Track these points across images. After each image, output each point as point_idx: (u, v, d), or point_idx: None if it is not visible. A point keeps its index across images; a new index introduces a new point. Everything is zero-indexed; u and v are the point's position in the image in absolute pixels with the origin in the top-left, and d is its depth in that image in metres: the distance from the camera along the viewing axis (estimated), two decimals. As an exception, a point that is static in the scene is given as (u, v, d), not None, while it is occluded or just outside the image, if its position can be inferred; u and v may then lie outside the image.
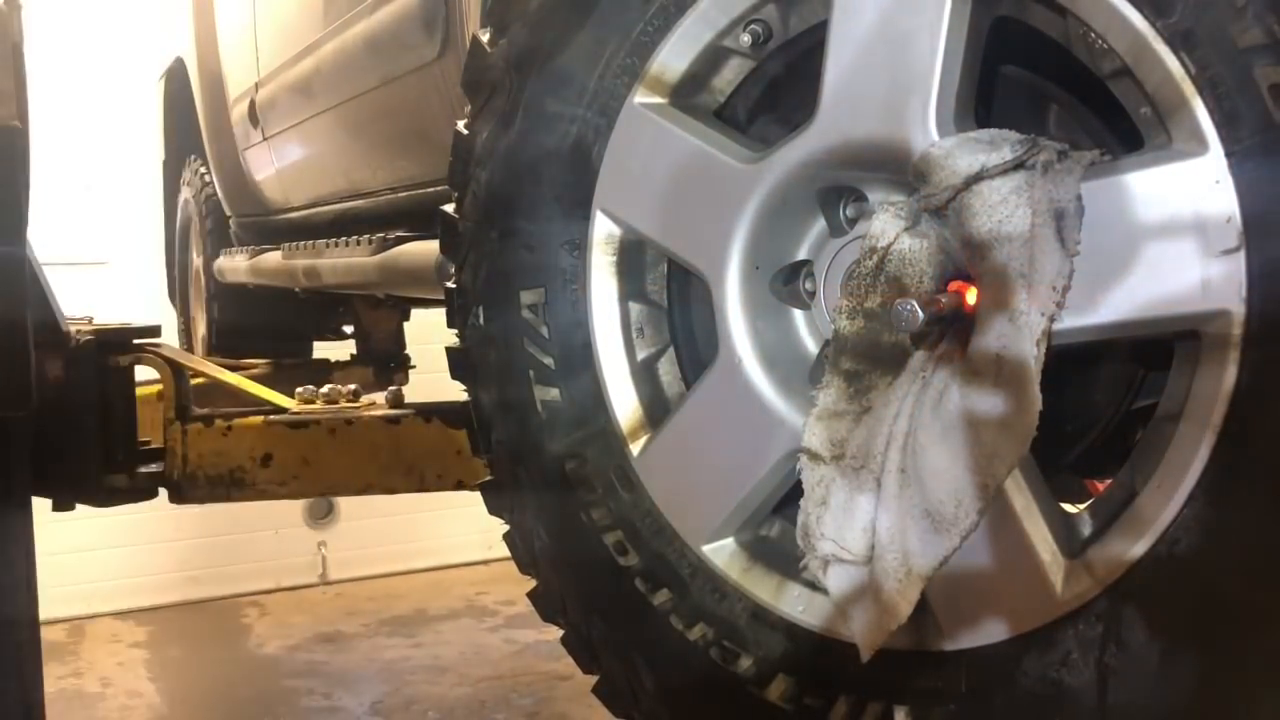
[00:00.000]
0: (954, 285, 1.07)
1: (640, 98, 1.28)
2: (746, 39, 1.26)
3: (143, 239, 4.80)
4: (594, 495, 1.36)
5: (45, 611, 2.16)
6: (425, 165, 2.28)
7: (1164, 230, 0.92)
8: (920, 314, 1.03)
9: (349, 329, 4.00)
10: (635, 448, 1.34)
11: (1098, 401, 1.22)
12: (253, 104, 3.26)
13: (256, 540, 5.02)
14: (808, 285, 1.25)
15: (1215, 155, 0.90)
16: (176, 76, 4.15)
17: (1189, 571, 0.95)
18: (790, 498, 1.24)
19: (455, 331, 1.47)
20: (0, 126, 1.68)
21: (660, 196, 1.27)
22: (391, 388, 2.70)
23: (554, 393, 1.38)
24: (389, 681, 3.93)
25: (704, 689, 1.29)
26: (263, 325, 3.88)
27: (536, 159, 1.34)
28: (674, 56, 1.26)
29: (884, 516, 1.10)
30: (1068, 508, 1.10)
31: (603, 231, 1.34)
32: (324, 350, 3.97)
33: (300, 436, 2.19)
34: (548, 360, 1.38)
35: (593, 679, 1.43)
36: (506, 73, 1.35)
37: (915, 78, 1.05)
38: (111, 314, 2.73)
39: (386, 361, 3.83)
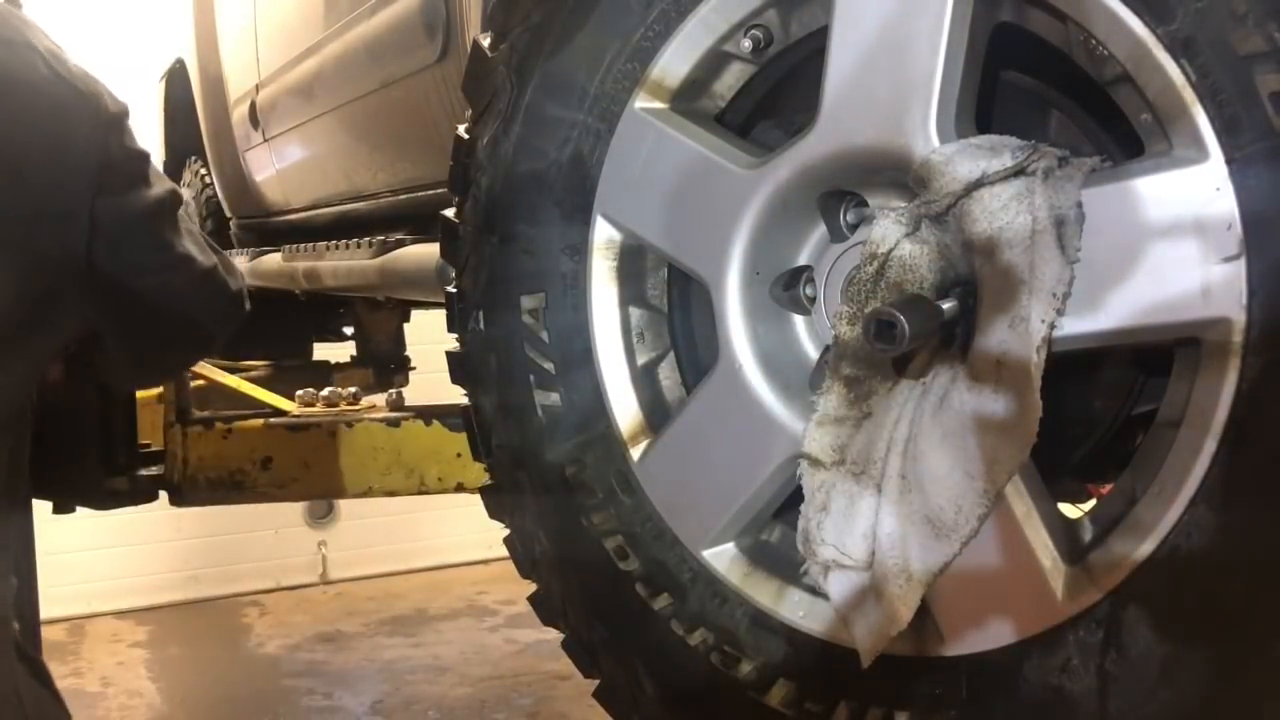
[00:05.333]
0: (954, 291, 1.07)
1: (641, 103, 1.28)
2: (747, 44, 1.25)
3: (143, 239, 4.80)
4: (594, 500, 1.36)
5: (45, 611, 2.16)
6: (426, 168, 2.28)
7: (1165, 237, 0.92)
8: (921, 320, 1.03)
9: (349, 330, 4.00)
10: (636, 452, 1.33)
11: (1098, 407, 1.22)
12: (253, 105, 3.26)
13: (256, 540, 5.02)
14: (808, 290, 1.25)
15: (1216, 162, 0.90)
16: (177, 77, 4.15)
17: (1190, 577, 0.94)
18: (791, 503, 1.24)
19: (455, 336, 1.46)
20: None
21: (661, 201, 1.27)
22: (392, 390, 2.70)
23: (554, 397, 1.38)
24: (389, 681, 3.93)
25: (704, 694, 1.29)
26: (263, 327, 3.86)
27: (537, 163, 1.34)
28: (675, 61, 1.26)
29: (885, 522, 1.11)
30: (1068, 512, 1.10)
31: (603, 236, 1.33)
32: (324, 352, 3.97)
33: (300, 439, 2.19)
34: (548, 365, 1.37)
35: (593, 681, 1.43)
36: (507, 77, 1.35)
37: (916, 83, 1.05)
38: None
39: (387, 363, 3.83)
